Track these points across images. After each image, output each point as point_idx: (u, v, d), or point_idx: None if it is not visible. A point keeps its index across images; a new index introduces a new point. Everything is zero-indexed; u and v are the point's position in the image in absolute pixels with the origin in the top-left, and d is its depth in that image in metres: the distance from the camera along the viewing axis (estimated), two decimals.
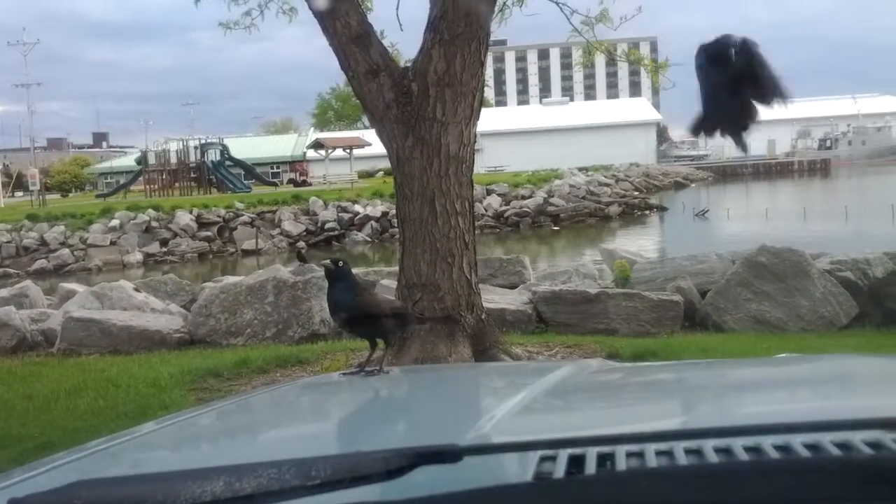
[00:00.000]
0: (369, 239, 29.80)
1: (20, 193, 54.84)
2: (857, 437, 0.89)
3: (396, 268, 7.10)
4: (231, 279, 11.03)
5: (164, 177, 44.90)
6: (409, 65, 6.13)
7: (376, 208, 30.94)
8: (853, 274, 8.65)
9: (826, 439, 0.89)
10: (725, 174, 75.70)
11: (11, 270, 25.34)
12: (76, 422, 5.35)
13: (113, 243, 27.65)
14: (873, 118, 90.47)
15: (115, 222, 28.38)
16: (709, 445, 0.91)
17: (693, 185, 65.10)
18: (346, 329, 5.27)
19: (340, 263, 4.30)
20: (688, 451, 0.90)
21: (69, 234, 27.77)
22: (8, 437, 5.10)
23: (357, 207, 31.15)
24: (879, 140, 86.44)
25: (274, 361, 6.81)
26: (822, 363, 2.05)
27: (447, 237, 5.91)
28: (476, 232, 6.52)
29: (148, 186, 44.67)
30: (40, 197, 42.12)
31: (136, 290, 10.09)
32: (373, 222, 30.35)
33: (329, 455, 0.75)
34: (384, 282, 9.78)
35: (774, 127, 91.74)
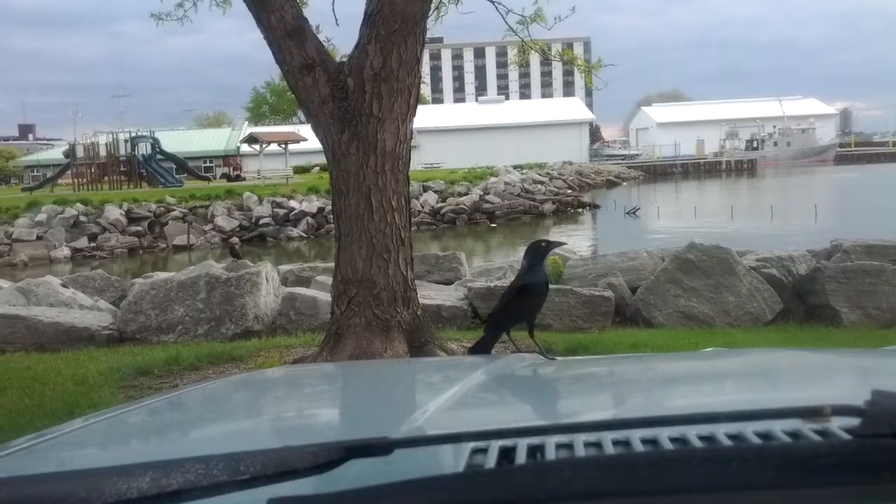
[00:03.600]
0: (305, 235, 29.54)
1: None
2: (778, 427, 0.92)
3: (332, 264, 7.06)
4: (162, 275, 10.81)
5: (92, 170, 43.67)
6: (344, 60, 6.09)
7: (312, 204, 30.68)
8: (778, 271, 8.91)
9: (748, 429, 0.92)
10: (656, 173, 77.12)
11: None
12: (0, 420, 5.19)
13: (39, 238, 26.87)
14: (798, 120, 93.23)
15: (41, 216, 27.59)
16: (636, 436, 0.93)
17: (625, 183, 66.16)
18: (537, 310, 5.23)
19: (543, 244, 4.34)
20: (615, 442, 0.92)
21: None
22: None
23: (292, 203, 30.84)
24: (804, 141, 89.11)
25: (206, 358, 6.70)
26: (748, 357, 2.11)
27: (383, 233, 5.90)
28: (412, 228, 6.52)
29: (76, 180, 43.41)
30: None
31: (64, 285, 9.82)
32: (308, 218, 30.08)
33: (258, 450, 0.74)
34: (320, 278, 9.73)
35: (703, 127, 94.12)
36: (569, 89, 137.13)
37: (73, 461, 1.24)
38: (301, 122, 55.08)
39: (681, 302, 8.50)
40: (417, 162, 48.21)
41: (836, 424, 0.90)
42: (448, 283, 10.04)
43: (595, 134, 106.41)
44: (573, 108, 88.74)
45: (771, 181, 62.85)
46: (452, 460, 0.90)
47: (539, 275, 4.06)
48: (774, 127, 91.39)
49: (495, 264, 11.71)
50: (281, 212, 30.26)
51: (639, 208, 37.91)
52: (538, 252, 3.98)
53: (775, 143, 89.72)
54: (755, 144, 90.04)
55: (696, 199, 43.60)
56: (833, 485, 0.62)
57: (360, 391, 1.83)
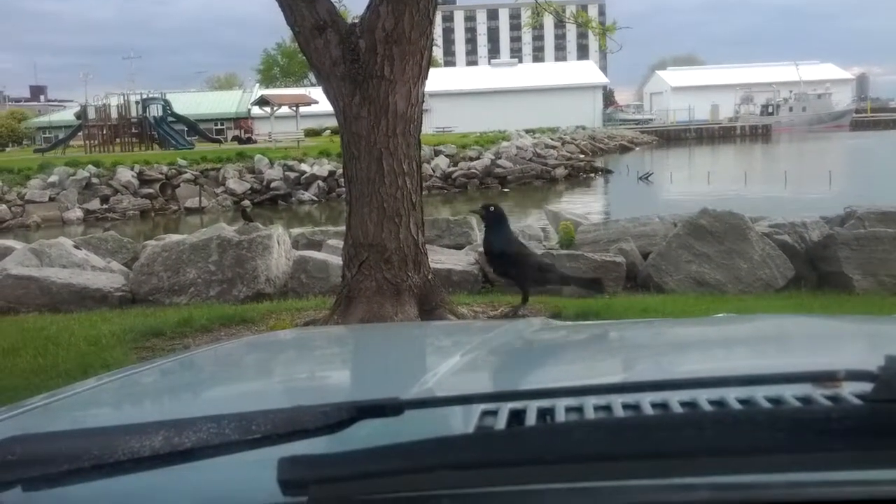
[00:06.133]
0: (316, 199, 29.55)
1: None
2: (788, 392, 0.92)
3: (343, 227, 7.06)
4: (174, 237, 10.85)
5: (104, 132, 43.71)
6: (356, 21, 6.03)
7: (323, 167, 30.63)
8: (790, 237, 8.87)
9: (759, 393, 0.92)
10: (669, 138, 76.60)
11: None
12: (15, 380, 5.25)
13: (52, 199, 26.98)
14: (814, 85, 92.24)
15: (54, 178, 27.65)
16: (646, 400, 0.93)
17: (638, 148, 65.79)
18: (492, 270, 5.64)
19: (492, 208, 4.52)
20: (625, 406, 0.92)
21: (6, 190, 27.00)
22: None
23: (303, 166, 30.81)
24: (820, 107, 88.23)
25: (218, 320, 6.74)
26: (759, 323, 2.11)
27: (394, 197, 5.89)
28: (423, 193, 6.50)
29: (88, 142, 43.47)
30: None
31: (77, 247, 9.87)
32: (319, 182, 30.06)
33: (269, 409, 0.74)
34: (331, 241, 9.74)
35: (718, 92, 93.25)
36: (583, 52, 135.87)
37: (86, 420, 1.25)
38: (312, 85, 54.71)
39: (692, 268, 8.48)
40: (429, 126, 47.96)
41: (848, 390, 0.90)
42: (459, 247, 10.04)
43: (609, 98, 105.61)
44: (587, 71, 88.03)
45: (785, 147, 62.35)
46: (462, 422, 0.90)
47: (489, 240, 4.28)
48: (790, 92, 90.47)
49: None
50: (292, 175, 30.24)
51: (652, 173, 37.73)
52: (487, 217, 4.15)
53: (791, 109, 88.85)
54: (770, 110, 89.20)
55: (710, 165, 43.29)
56: (845, 449, 0.61)
57: (370, 354, 1.84)
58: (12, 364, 5.70)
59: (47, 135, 58.26)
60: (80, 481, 0.70)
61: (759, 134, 79.96)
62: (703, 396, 0.92)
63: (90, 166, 28.92)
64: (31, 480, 0.71)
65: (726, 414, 0.81)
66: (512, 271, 5.79)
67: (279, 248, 8.70)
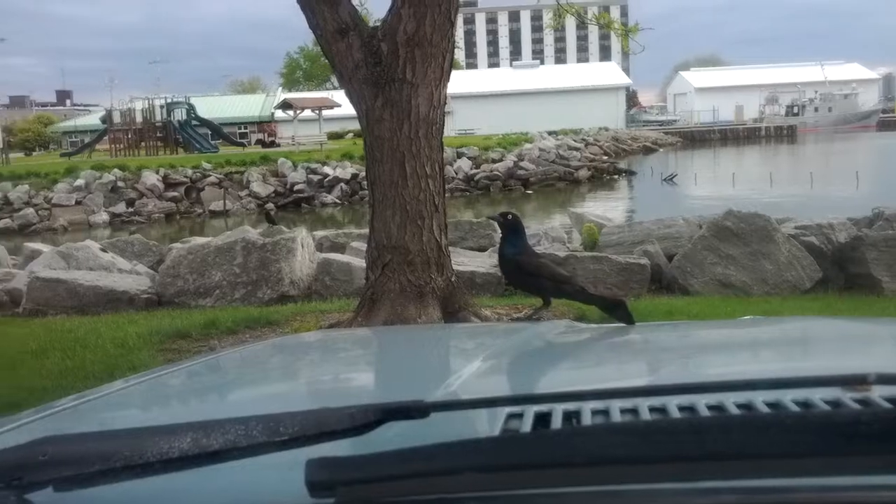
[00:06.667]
0: (339, 201, 29.64)
1: None
2: (817, 395, 0.91)
3: (367, 230, 7.08)
4: (199, 240, 10.94)
5: (129, 136, 44.15)
6: (378, 24, 6.05)
7: (346, 170, 30.73)
8: (817, 239, 8.78)
9: (787, 397, 0.91)
10: (694, 139, 76.10)
11: None
12: (43, 382, 5.31)
13: (78, 203, 27.26)
14: (840, 85, 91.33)
15: (80, 182, 27.96)
16: (672, 403, 0.92)
17: (661, 149, 65.43)
18: (507, 281, 5.44)
19: (510, 216, 4.54)
20: (652, 409, 0.92)
21: (33, 194, 27.33)
22: None
23: (326, 169, 30.92)
24: (846, 107, 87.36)
25: (243, 322, 6.78)
26: (786, 325, 2.09)
27: (417, 200, 5.89)
28: (446, 195, 6.51)
29: (113, 146, 43.90)
30: (3, 155, 41.24)
31: (103, 250, 9.97)
32: (342, 184, 30.16)
33: (296, 411, 0.75)
34: (354, 244, 9.77)
35: (742, 93, 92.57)
36: (605, 54, 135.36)
37: (114, 421, 1.26)
38: (335, 88, 55.03)
39: (718, 269, 8.42)
40: (451, 128, 48.03)
41: (877, 394, 0.89)
42: (482, 249, 10.04)
43: (632, 99, 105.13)
44: (609, 72, 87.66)
45: (811, 147, 61.77)
46: (488, 425, 0.90)
47: (503, 248, 4.24)
48: (816, 92, 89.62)
49: (530, 231, 11.66)
50: (315, 178, 30.36)
51: (676, 175, 37.50)
52: (503, 226, 4.12)
53: (816, 109, 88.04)
54: (795, 110, 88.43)
55: (735, 166, 42.99)
56: (875, 453, 0.61)
57: (394, 356, 1.84)
58: (41, 365, 5.77)
59: (73, 139, 58.88)
60: (109, 482, 0.71)
61: (785, 135, 79.24)
62: (731, 400, 0.92)
63: (116, 170, 29.20)
64: (62, 481, 0.71)
65: (755, 417, 0.81)
66: (527, 283, 5.76)
67: (303, 250, 8.74)
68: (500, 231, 3.80)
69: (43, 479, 0.72)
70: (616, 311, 5.94)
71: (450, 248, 6.43)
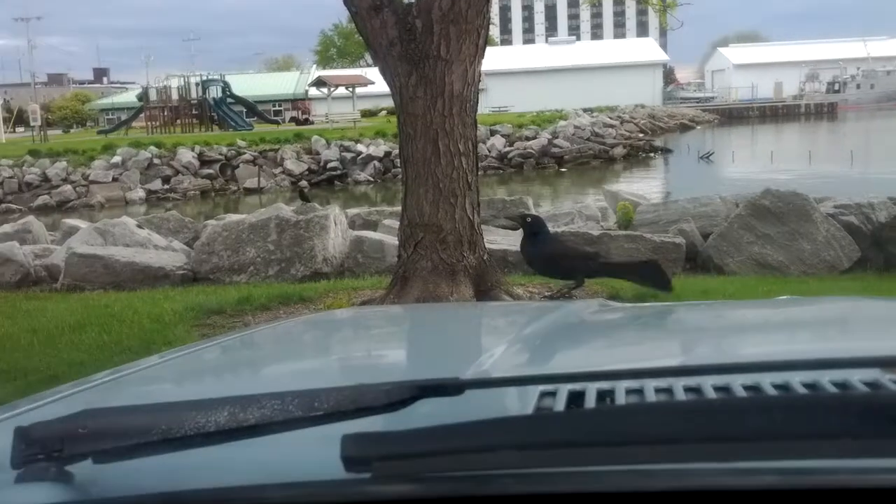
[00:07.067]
0: (372, 179, 29.71)
1: (21, 129, 54.53)
2: (855, 377, 0.90)
3: (399, 208, 7.09)
4: (233, 217, 11.03)
5: (165, 113, 44.55)
6: (413, 1, 6.02)
7: (379, 148, 30.76)
8: (856, 218, 8.64)
9: (824, 378, 0.90)
10: (731, 116, 75.05)
11: (14, 206, 25.39)
12: (81, 356, 5.41)
13: (115, 180, 27.61)
14: (883, 62, 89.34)
15: (117, 159, 28.28)
16: (708, 383, 0.92)
17: (699, 127, 64.65)
18: (541, 273, 5.68)
19: (529, 219, 4.85)
20: (687, 389, 0.91)
21: (71, 171, 27.72)
22: (14, 370, 5.16)
23: (360, 147, 30.98)
24: (888, 84, 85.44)
25: (277, 299, 6.84)
26: (823, 305, 2.06)
27: (450, 177, 5.88)
28: (479, 173, 6.48)
29: (149, 123, 44.34)
30: (42, 133, 41.85)
31: (139, 226, 10.10)
32: (375, 162, 30.21)
33: (332, 387, 0.75)
34: (387, 221, 9.80)
35: (782, 69, 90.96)
36: (642, 29, 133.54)
37: (151, 395, 1.28)
38: (368, 65, 54.99)
39: (754, 249, 8.32)
40: (485, 105, 47.73)
41: None
42: (514, 228, 10.00)
43: (669, 76, 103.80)
44: (647, 49, 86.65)
45: (852, 125, 60.64)
46: (521, 403, 0.90)
47: (524, 246, 4.47)
48: (858, 69, 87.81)
49: (563, 209, 11.62)
50: (348, 155, 30.44)
51: (713, 153, 37.04)
52: (523, 227, 4.32)
53: (858, 86, 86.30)
54: (837, 87, 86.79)
55: (773, 144, 42.36)
56: None
57: (427, 333, 1.84)
58: (78, 340, 5.87)
59: (110, 116, 59.50)
60: (147, 454, 0.72)
61: (825, 112, 77.83)
62: (767, 380, 0.91)
63: (152, 147, 29.50)
64: (100, 453, 0.73)
65: (794, 398, 0.80)
66: (553, 270, 5.77)
67: (336, 228, 8.77)
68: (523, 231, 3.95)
69: (82, 452, 0.73)
70: (648, 273, 5.81)
71: (482, 227, 6.42)
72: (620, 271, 6.13)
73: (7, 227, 11.30)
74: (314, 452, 0.74)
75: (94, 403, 0.82)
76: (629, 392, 0.91)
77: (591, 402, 0.89)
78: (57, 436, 0.74)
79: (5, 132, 48.52)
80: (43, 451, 0.73)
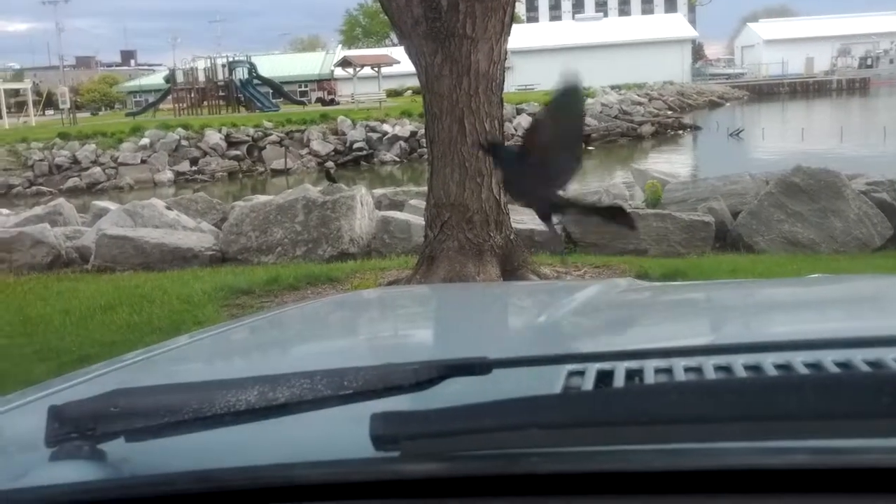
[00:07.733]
0: (398, 159, 29.68)
1: (50, 112, 55.07)
2: (889, 355, 0.88)
3: (425, 188, 7.08)
4: (261, 198, 11.08)
5: (192, 95, 44.71)
6: None
7: (405, 128, 30.70)
8: (889, 195, 8.53)
9: (857, 357, 0.89)
10: (762, 93, 73.99)
11: (45, 188, 25.69)
12: (112, 336, 5.48)
13: (143, 162, 27.81)
14: None
15: (145, 141, 28.48)
16: (738, 362, 0.91)
17: (728, 104, 63.81)
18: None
19: (485, 144, 4.54)
20: (717, 368, 0.90)
21: (100, 153, 27.94)
22: (46, 351, 5.25)
23: (385, 127, 30.94)
24: None
25: (304, 279, 6.88)
26: (855, 283, 2.03)
27: (476, 157, 5.86)
28: None
29: (177, 105, 44.56)
30: (71, 115, 42.23)
31: (168, 208, 10.19)
32: (401, 142, 30.17)
33: (361, 366, 0.76)
34: (413, 202, 9.80)
35: (813, 44, 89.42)
36: (671, 5, 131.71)
37: (181, 375, 1.30)
38: (394, 45, 54.81)
39: (784, 227, 8.24)
40: (511, 84, 47.44)
41: None
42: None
43: (698, 52, 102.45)
44: (675, 24, 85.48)
45: (885, 101, 59.55)
46: (549, 382, 0.90)
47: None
48: (892, 42, 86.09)
49: (591, 188, 11.53)
50: (374, 136, 30.43)
51: (742, 130, 36.60)
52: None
53: (892, 61, 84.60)
54: (869, 62, 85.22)
55: (804, 120, 41.74)
56: None
57: (454, 313, 1.84)
58: (109, 320, 5.95)
59: (138, 98, 59.81)
60: (178, 433, 0.73)
61: (857, 88, 76.46)
62: (798, 359, 0.90)
63: (179, 129, 29.66)
64: (133, 432, 0.74)
65: (827, 377, 0.79)
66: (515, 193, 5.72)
67: (362, 208, 8.79)
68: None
69: (115, 430, 0.74)
70: (613, 214, 5.86)
71: (509, 206, 6.41)
72: (585, 210, 6.14)
73: (38, 210, 11.46)
74: (343, 431, 0.74)
75: (126, 383, 0.82)
76: (658, 371, 0.90)
77: (619, 381, 0.88)
78: (89, 415, 0.75)
79: (35, 115, 49.02)
80: (76, 430, 0.74)
